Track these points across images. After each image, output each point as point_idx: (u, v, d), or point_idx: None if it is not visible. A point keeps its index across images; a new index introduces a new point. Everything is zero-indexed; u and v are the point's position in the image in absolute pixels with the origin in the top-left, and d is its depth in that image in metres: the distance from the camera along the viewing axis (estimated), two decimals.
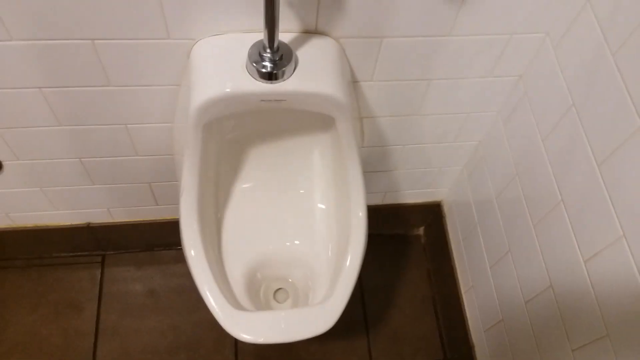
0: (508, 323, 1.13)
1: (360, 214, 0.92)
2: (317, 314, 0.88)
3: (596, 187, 0.80)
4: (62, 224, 1.30)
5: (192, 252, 0.87)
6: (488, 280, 1.21)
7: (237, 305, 0.93)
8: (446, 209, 1.43)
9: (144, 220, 1.33)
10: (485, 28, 0.86)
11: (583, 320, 0.86)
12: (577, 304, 0.88)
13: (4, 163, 1.04)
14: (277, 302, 1.11)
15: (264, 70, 0.76)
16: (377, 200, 1.40)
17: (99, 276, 1.45)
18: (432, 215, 1.48)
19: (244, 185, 1.04)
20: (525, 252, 1.03)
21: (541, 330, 1.00)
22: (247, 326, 0.86)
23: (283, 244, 1.05)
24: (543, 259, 0.97)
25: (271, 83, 0.77)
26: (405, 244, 1.58)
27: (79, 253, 1.45)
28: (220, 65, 0.79)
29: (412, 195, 1.41)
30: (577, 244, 0.86)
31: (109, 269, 1.46)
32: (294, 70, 0.78)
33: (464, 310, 1.35)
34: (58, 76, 0.85)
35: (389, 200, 1.41)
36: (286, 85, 0.77)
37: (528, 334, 1.05)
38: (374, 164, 1.22)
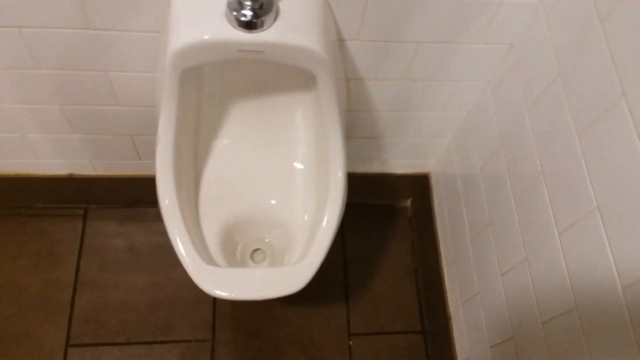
0: (484, 296, 1.13)
1: (339, 174, 0.91)
2: (291, 273, 0.88)
3: (575, 158, 0.79)
4: (44, 173, 1.29)
5: (166, 201, 0.86)
6: (468, 253, 1.20)
7: (211, 261, 0.93)
8: (433, 181, 1.42)
9: (126, 175, 1.33)
10: None
11: (553, 293, 0.86)
12: (549, 276, 0.87)
13: None
14: (254, 262, 1.11)
15: (243, 19, 0.74)
16: (365, 168, 1.39)
17: (81, 229, 1.44)
18: (419, 187, 1.47)
19: (224, 141, 1.03)
20: (504, 225, 1.02)
21: (514, 303, 1.00)
22: (218, 281, 0.85)
23: (261, 204, 1.04)
24: (520, 231, 0.96)
25: (250, 32, 0.75)
26: (392, 215, 1.57)
27: (62, 205, 1.44)
28: (199, 12, 0.77)
29: (400, 165, 1.39)
30: (553, 215, 0.85)
31: (91, 222, 1.45)
32: (274, 21, 0.76)
33: (444, 282, 1.35)
34: (36, 15, 0.83)
35: (376, 169, 1.39)
36: (265, 35, 0.75)
37: (502, 306, 1.04)
38: (361, 129, 1.20)
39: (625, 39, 0.69)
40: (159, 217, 1.53)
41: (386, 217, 1.57)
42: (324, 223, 0.90)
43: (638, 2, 0.66)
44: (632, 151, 0.67)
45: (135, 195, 1.42)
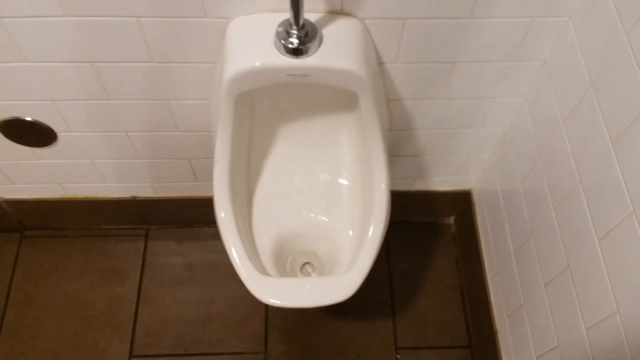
0: (529, 307, 1.15)
1: (383, 186, 0.96)
2: (339, 283, 0.93)
3: (610, 165, 0.82)
4: (110, 196, 1.41)
5: (222, 214, 0.94)
6: (511, 265, 1.22)
7: (264, 272, 0.99)
8: (475, 198, 1.45)
9: (184, 196, 1.42)
10: (507, 10, 0.89)
11: (596, 298, 0.88)
12: (591, 282, 0.89)
13: (58, 134, 1.15)
14: (303, 274, 1.17)
15: (290, 46, 0.82)
16: (407, 186, 1.44)
17: (143, 248, 1.55)
18: (462, 203, 1.51)
19: (274, 160, 1.11)
20: (545, 236, 1.05)
21: (558, 312, 1.02)
22: (271, 290, 0.91)
23: (309, 218, 1.10)
24: (561, 240, 0.99)
25: (296, 58, 0.83)
26: (436, 232, 1.61)
27: (125, 226, 1.55)
28: (251, 42, 0.85)
29: (442, 182, 1.43)
30: (592, 223, 0.88)
31: (152, 242, 1.55)
32: (318, 47, 0.84)
33: (489, 296, 1.37)
34: (107, 51, 0.94)
35: (419, 186, 1.44)
36: (310, 60, 0.83)
37: (547, 316, 1.06)
38: (402, 148, 1.26)
39: None
40: (214, 236, 1.62)
41: (430, 234, 1.60)
42: (370, 233, 0.95)
43: None
44: None
45: (192, 216, 1.51)
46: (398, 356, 1.44)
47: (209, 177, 1.34)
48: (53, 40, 0.91)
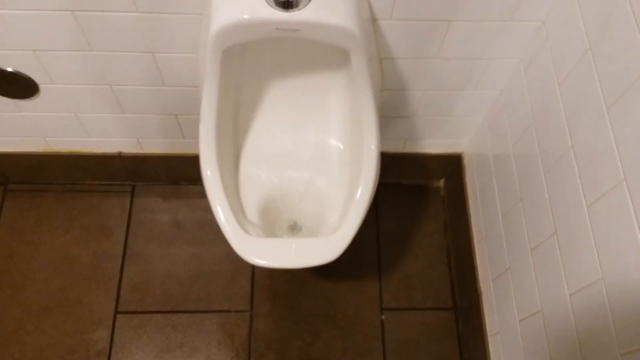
0: (514, 271, 1.15)
1: (372, 147, 0.94)
2: (326, 244, 0.92)
3: (603, 131, 0.80)
4: (95, 151, 1.38)
5: (208, 172, 0.92)
6: (499, 230, 1.22)
7: (250, 231, 0.98)
8: (466, 161, 1.44)
9: (171, 153, 1.40)
10: None
11: (581, 264, 0.88)
12: (577, 248, 0.89)
13: (40, 86, 1.11)
14: (290, 235, 1.16)
15: None
16: (398, 148, 1.42)
17: (129, 205, 1.53)
18: (452, 166, 1.50)
19: (263, 118, 1.08)
20: (534, 201, 1.04)
21: (542, 276, 1.02)
22: (257, 250, 0.90)
23: (297, 178, 1.09)
24: (550, 206, 0.98)
25: (286, 12, 0.80)
26: (425, 195, 1.60)
27: (111, 182, 1.53)
28: None
29: (433, 145, 1.42)
30: (582, 189, 0.87)
31: (138, 198, 1.54)
32: (309, 1, 0.80)
33: (475, 260, 1.37)
34: (87, 0, 0.90)
35: (410, 148, 1.42)
36: (301, 14, 0.80)
37: (531, 280, 1.07)
38: (394, 108, 1.23)
39: None
40: (201, 194, 1.59)
41: (419, 197, 1.60)
42: (358, 195, 0.94)
43: None
44: None
45: (180, 173, 1.49)
46: (383, 317, 1.45)
47: (196, 134, 1.31)
48: None
